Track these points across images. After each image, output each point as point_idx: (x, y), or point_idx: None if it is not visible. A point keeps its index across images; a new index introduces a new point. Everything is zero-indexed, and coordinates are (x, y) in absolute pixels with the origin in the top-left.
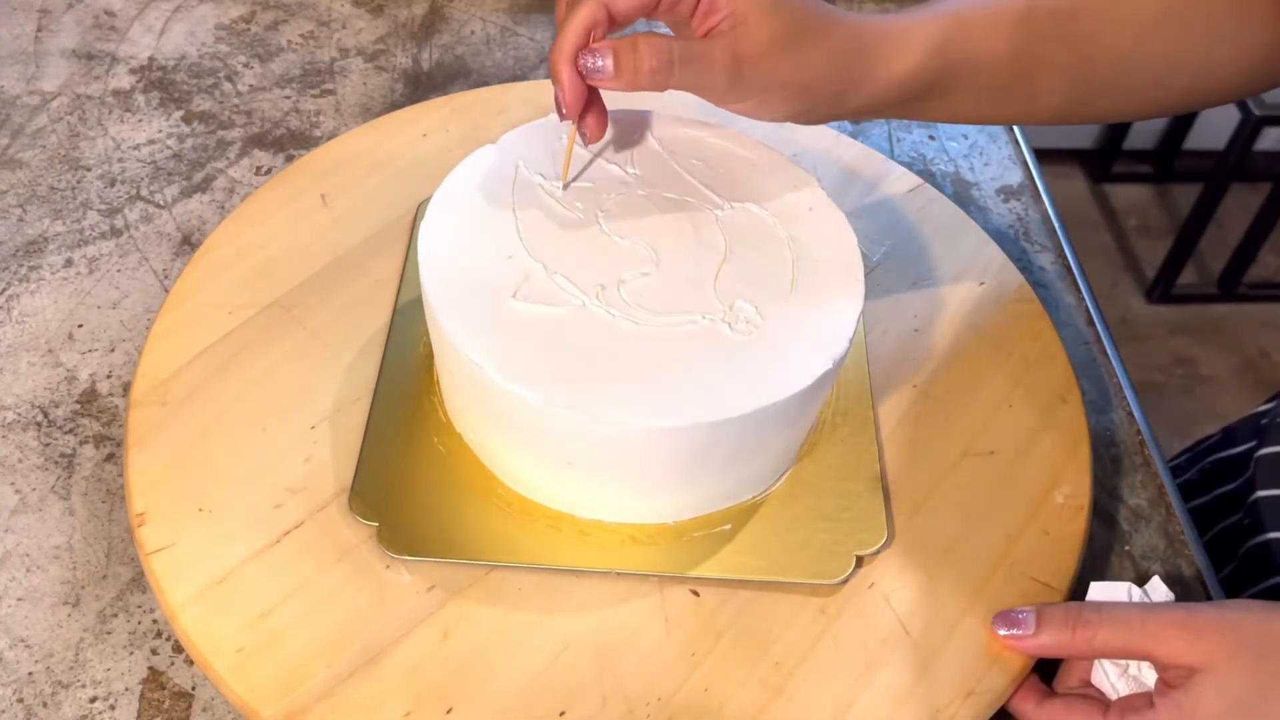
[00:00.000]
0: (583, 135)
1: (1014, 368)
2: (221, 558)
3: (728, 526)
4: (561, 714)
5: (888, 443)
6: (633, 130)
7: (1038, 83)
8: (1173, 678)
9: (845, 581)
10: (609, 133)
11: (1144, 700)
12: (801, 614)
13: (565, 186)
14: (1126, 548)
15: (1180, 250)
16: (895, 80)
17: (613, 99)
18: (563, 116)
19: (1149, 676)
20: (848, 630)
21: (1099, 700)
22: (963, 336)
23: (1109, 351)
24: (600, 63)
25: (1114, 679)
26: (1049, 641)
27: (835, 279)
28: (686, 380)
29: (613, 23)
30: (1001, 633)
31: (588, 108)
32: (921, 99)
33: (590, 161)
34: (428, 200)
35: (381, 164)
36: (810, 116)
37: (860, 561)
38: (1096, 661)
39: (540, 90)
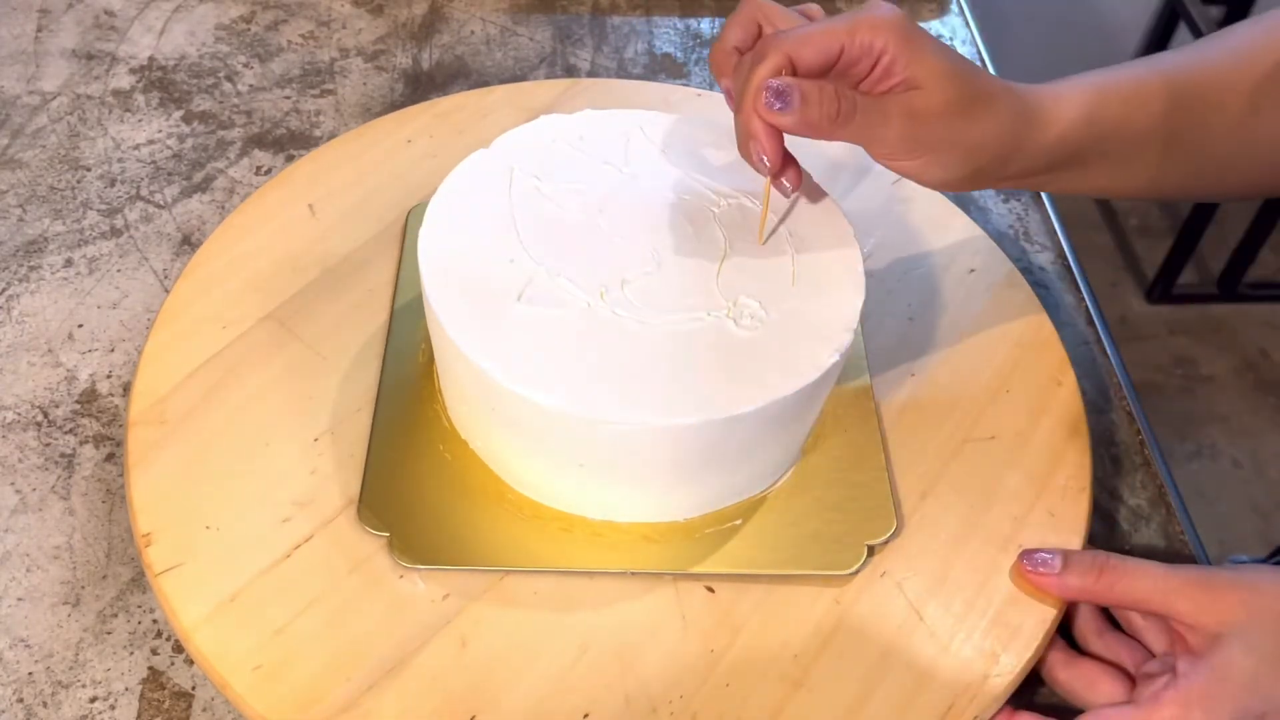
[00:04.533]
0: (782, 187)
1: (1008, 352)
2: (232, 575)
3: (739, 521)
4: (586, 716)
5: (890, 432)
6: (626, 128)
7: (1167, 154)
8: (1196, 642)
9: (858, 571)
10: (603, 132)
11: (1166, 666)
12: (816, 605)
13: (764, 242)
14: (1126, 548)
15: (1180, 250)
16: (1047, 147)
17: (605, 97)
18: (766, 171)
19: None
20: (863, 619)
21: (1121, 667)
22: (957, 323)
23: (1109, 351)
24: (787, 100)
25: None
26: (1073, 583)
27: (835, 271)
28: (696, 377)
29: (792, 75)
30: (1027, 568)
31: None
32: (1064, 168)
33: (585, 161)
34: (417, 207)
35: (367, 172)
36: (971, 181)
37: (871, 551)
38: None
39: (523, 92)
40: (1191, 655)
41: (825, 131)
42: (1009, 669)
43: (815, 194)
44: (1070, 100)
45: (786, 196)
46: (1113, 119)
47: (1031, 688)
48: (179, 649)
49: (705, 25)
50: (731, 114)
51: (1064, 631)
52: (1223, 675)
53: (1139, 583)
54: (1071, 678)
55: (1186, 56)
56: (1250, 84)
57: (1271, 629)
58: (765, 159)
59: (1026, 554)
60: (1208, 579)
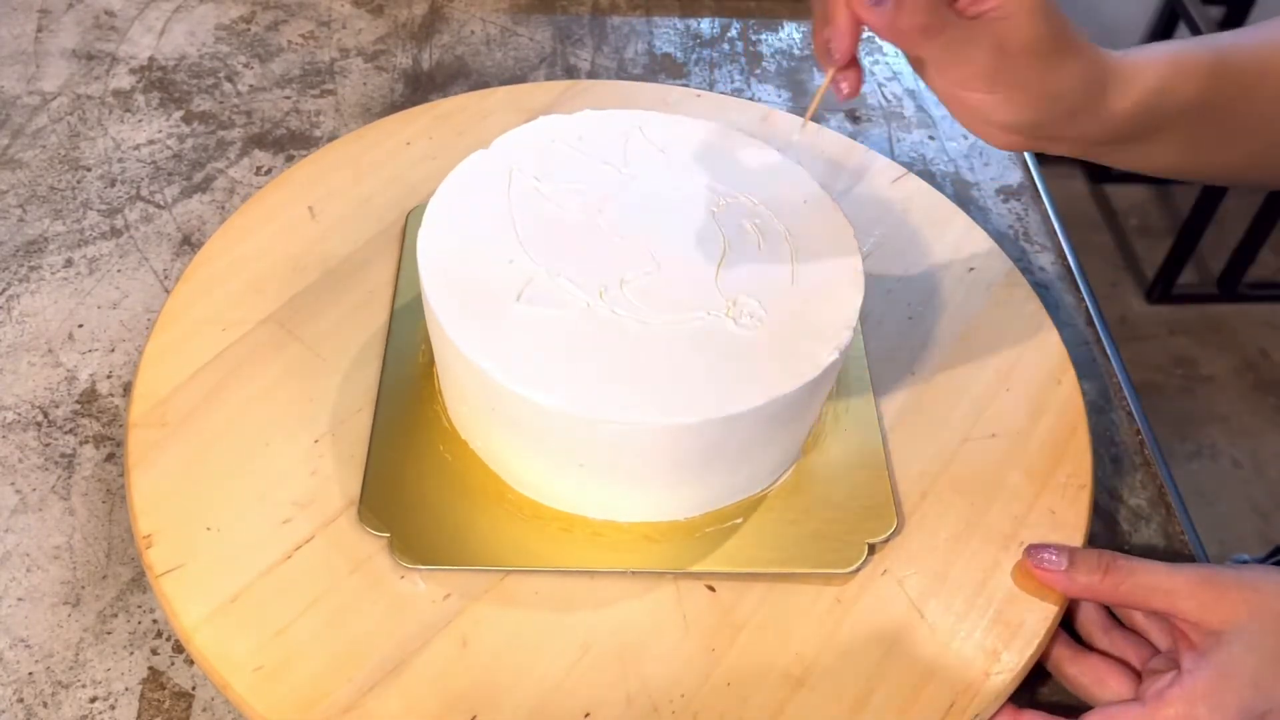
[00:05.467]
0: (839, 89)
1: (1008, 351)
2: (233, 576)
3: (739, 520)
4: (587, 715)
5: (890, 431)
6: (625, 128)
7: (1228, 133)
8: (1200, 640)
9: (859, 570)
10: (602, 132)
11: (1171, 663)
12: (817, 604)
13: (804, 125)
14: (1126, 548)
15: (1180, 250)
16: (1116, 117)
17: (604, 98)
18: (831, 62)
19: None
20: (864, 618)
21: (1127, 663)
22: (957, 322)
23: (1109, 351)
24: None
25: None
26: (1080, 580)
27: (835, 270)
28: (696, 377)
29: None
30: (1034, 564)
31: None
32: (1126, 141)
33: (584, 161)
34: (417, 208)
35: (367, 173)
36: (1033, 134)
37: (872, 549)
38: None
39: (523, 94)
40: (1195, 653)
41: (909, 41)
42: (1010, 667)
43: (815, 193)
44: (1147, 73)
45: (840, 99)
46: (1179, 95)
47: (1033, 686)
48: (179, 649)
49: (705, 25)
50: (733, 120)
51: (1068, 627)
52: (1227, 673)
53: (1144, 580)
54: (1080, 672)
55: (1251, 36)
56: None
57: (1273, 628)
58: (835, 51)
59: (1032, 549)
60: (1211, 578)
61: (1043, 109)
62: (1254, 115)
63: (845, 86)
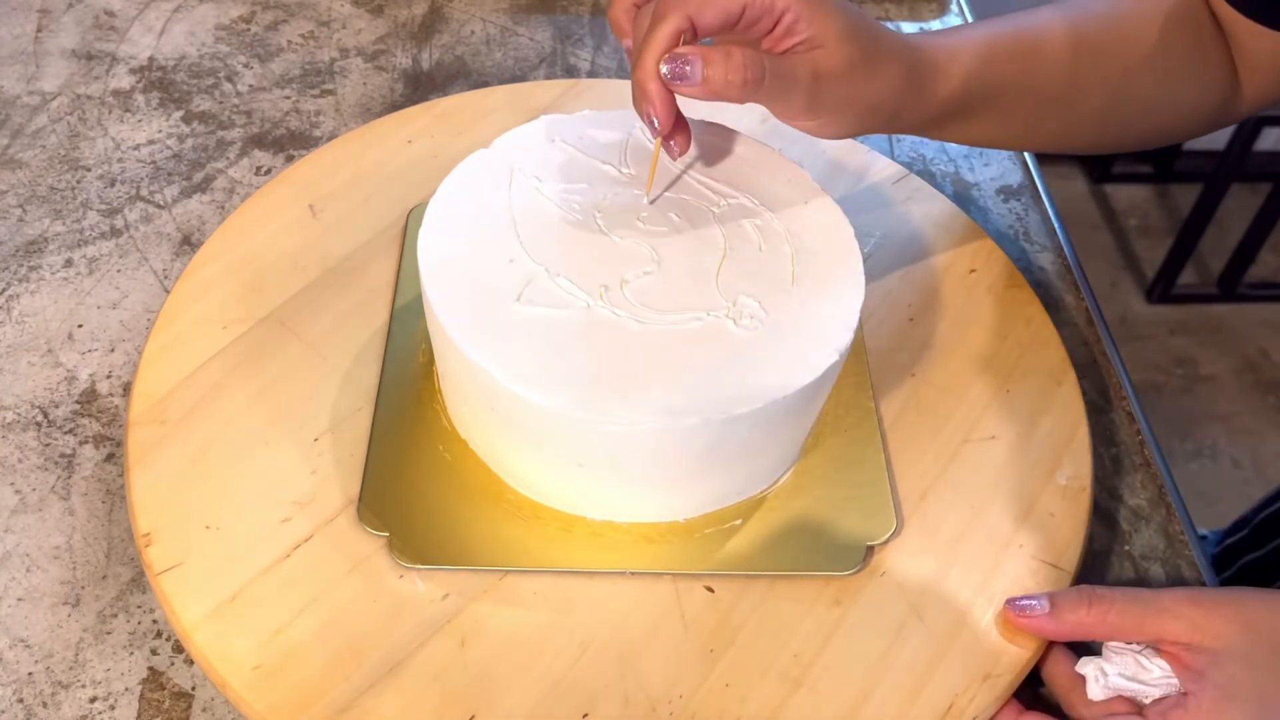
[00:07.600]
0: (670, 149)
1: (1009, 353)
2: (232, 575)
3: (739, 521)
4: (585, 716)
5: (890, 432)
6: (625, 128)
7: (1036, 108)
8: (1194, 660)
9: (858, 571)
10: (602, 132)
11: (1172, 702)
12: (816, 605)
13: (651, 201)
14: (1126, 548)
15: (1180, 250)
16: (937, 104)
17: (604, 98)
18: (656, 133)
19: (1148, 674)
20: (863, 619)
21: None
22: (957, 324)
23: (1109, 351)
24: (689, 69)
25: (1110, 676)
26: (1067, 618)
27: (835, 271)
28: (695, 378)
29: (693, 37)
30: (1016, 614)
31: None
32: (951, 120)
33: (586, 163)
34: (418, 207)
35: (368, 172)
36: (864, 132)
37: (871, 550)
38: (1090, 661)
39: (523, 93)
40: (1192, 673)
41: (733, 98)
42: (1009, 668)
43: (815, 194)
44: (963, 57)
45: (674, 159)
46: (994, 76)
47: (1033, 686)
48: (179, 649)
49: None
50: (733, 120)
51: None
52: (1230, 692)
53: (1131, 608)
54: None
55: (1059, 14)
56: (1120, 50)
57: (1267, 642)
58: (656, 120)
59: (1011, 602)
60: (1196, 597)
61: (864, 120)
62: (1059, 90)
63: (677, 147)
